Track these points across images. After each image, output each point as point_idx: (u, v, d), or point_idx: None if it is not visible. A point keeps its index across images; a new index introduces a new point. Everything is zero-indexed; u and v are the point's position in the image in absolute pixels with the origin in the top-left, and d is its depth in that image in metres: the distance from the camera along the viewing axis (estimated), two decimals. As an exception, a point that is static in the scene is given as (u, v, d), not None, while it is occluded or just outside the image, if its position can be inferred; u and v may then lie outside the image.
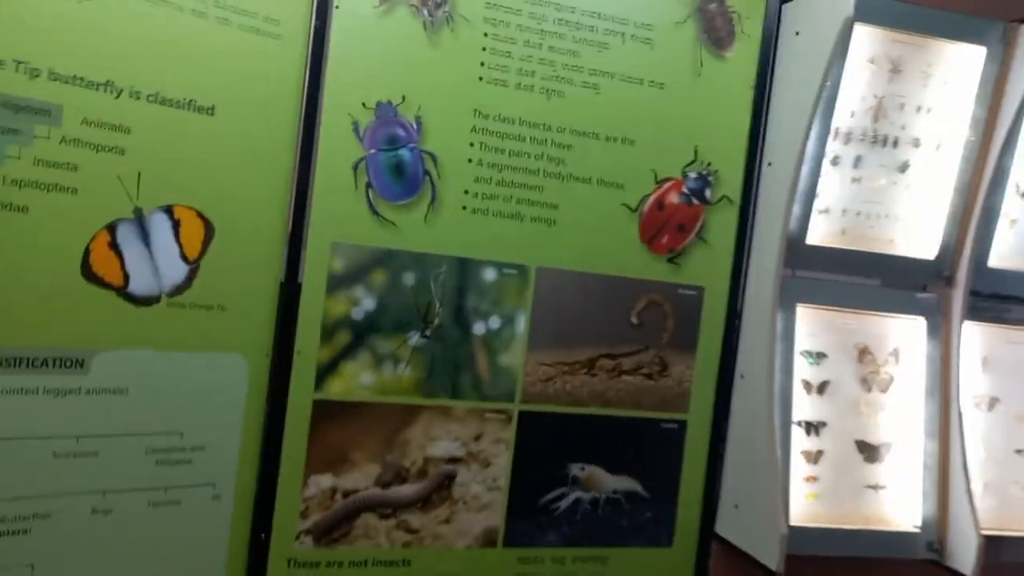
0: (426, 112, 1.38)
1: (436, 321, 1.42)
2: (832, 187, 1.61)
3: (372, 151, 1.35)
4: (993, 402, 1.76)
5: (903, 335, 1.67)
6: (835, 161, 1.60)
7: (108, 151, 1.16)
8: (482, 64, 1.41)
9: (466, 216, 1.42)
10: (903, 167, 1.63)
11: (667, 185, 1.53)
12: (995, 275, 1.74)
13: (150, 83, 1.18)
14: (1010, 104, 1.59)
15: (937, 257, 1.66)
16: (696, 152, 1.54)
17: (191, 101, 1.22)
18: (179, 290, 1.23)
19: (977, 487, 1.64)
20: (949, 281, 1.67)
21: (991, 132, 1.62)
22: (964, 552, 1.56)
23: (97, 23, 1.14)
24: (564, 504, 1.51)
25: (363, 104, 1.34)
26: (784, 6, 1.58)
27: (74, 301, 1.14)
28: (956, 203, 1.65)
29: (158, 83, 1.19)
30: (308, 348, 1.34)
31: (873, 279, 1.68)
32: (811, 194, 1.57)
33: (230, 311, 1.28)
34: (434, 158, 1.39)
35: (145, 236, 1.20)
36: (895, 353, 1.66)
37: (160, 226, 1.21)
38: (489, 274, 1.44)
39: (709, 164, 1.55)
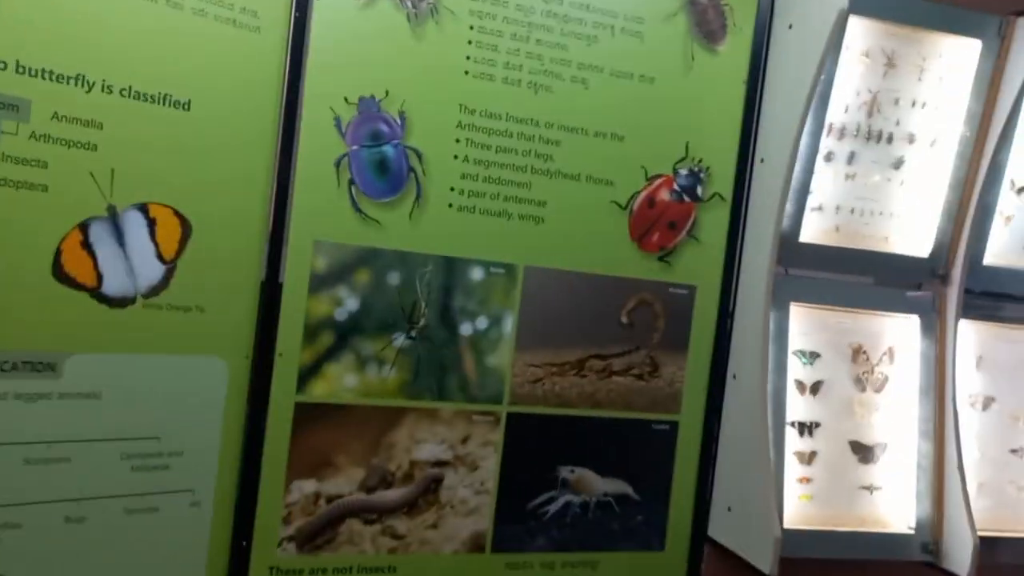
0: (410, 107, 1.35)
1: (422, 322, 1.39)
2: (825, 184, 1.59)
3: (355, 147, 1.32)
4: (988, 401, 1.75)
5: (897, 334, 1.66)
6: (828, 157, 1.58)
7: (80, 147, 1.12)
8: (468, 58, 1.38)
9: (452, 214, 1.39)
10: (897, 163, 1.62)
11: (658, 182, 1.51)
12: (990, 273, 1.73)
13: (123, 76, 1.14)
14: (1006, 99, 1.58)
15: (932, 255, 1.65)
16: (687, 148, 1.52)
17: (166, 95, 1.18)
18: (155, 291, 1.20)
19: (972, 488, 1.63)
20: (944, 279, 1.66)
21: (986, 127, 1.61)
22: (959, 553, 1.55)
23: (68, 14, 1.10)
24: (553, 508, 1.49)
25: (345, 99, 1.31)
26: (777, -1, 1.56)
27: (45, 302, 1.11)
28: (951, 200, 1.64)
29: (131, 76, 1.15)
30: (290, 350, 1.31)
31: (867, 277, 1.67)
32: (804, 191, 1.56)
33: (209, 312, 1.25)
34: (419, 154, 1.36)
35: (119, 235, 1.16)
36: (889, 352, 1.65)
37: (135, 224, 1.18)
38: (476, 273, 1.42)
39: (700, 160, 1.53)
